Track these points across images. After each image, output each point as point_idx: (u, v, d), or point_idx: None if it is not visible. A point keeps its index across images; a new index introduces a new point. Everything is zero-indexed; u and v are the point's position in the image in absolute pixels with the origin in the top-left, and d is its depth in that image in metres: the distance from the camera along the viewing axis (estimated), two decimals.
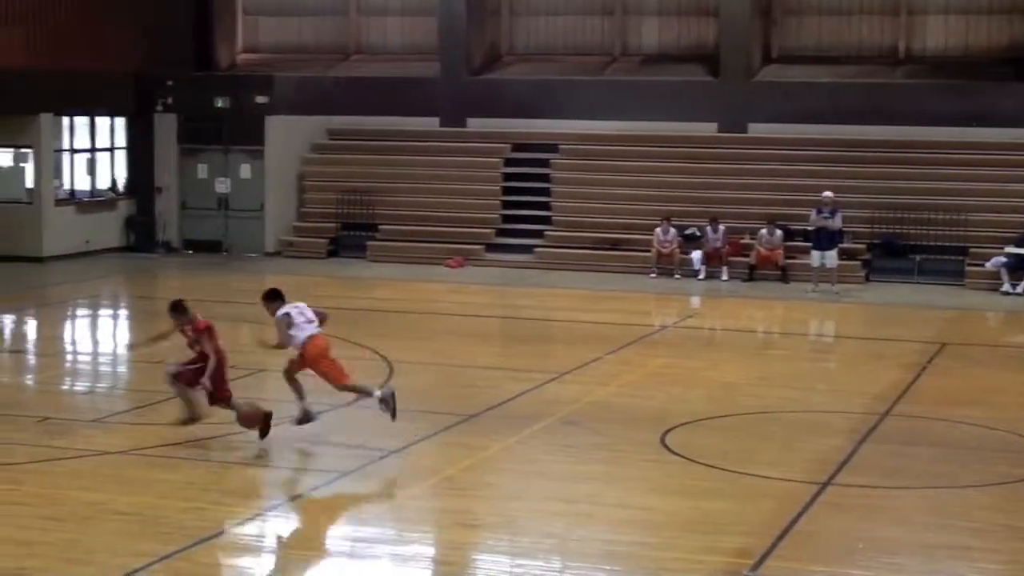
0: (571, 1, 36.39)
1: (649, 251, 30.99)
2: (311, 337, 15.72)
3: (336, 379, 15.86)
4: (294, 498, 14.12)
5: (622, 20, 36.24)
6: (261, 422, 15.60)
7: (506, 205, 33.92)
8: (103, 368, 21.60)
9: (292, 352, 15.83)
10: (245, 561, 12.40)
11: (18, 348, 23.55)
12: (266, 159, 34.35)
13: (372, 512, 13.39)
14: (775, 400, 18.86)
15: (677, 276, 30.56)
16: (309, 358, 15.74)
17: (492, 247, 33.01)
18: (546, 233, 32.90)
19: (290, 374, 15.90)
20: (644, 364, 21.25)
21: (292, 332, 15.68)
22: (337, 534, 13.14)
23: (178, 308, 15.96)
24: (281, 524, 13.41)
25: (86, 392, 19.08)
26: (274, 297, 16.09)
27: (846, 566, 12.22)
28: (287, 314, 15.77)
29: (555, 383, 19.48)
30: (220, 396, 15.81)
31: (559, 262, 31.59)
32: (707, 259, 30.65)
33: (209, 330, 15.75)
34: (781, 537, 12.73)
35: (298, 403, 15.88)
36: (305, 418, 15.95)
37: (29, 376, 20.83)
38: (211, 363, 15.58)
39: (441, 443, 16.14)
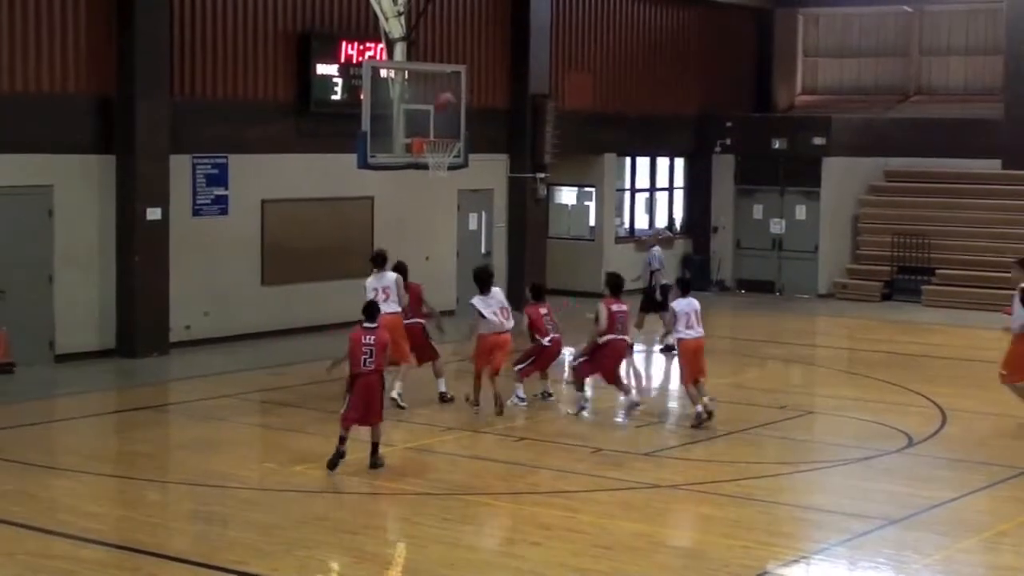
0: None
1: None
2: None
3: None
4: (839, 543, 14.00)
5: None
6: None
7: None
8: (655, 403, 22.13)
9: None
10: None
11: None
12: (822, 200, 34.36)
13: (920, 563, 13.09)
14: None
15: None
16: None
17: None
18: None
19: None
20: None
21: None
22: None
23: None
24: (825, 568, 13.31)
25: (639, 425, 19.58)
26: None
27: None
28: None
29: None
30: None
31: None
32: None
33: None
34: None
35: None
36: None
37: (586, 410, 21.56)
38: None
39: (995, 496, 15.62)
